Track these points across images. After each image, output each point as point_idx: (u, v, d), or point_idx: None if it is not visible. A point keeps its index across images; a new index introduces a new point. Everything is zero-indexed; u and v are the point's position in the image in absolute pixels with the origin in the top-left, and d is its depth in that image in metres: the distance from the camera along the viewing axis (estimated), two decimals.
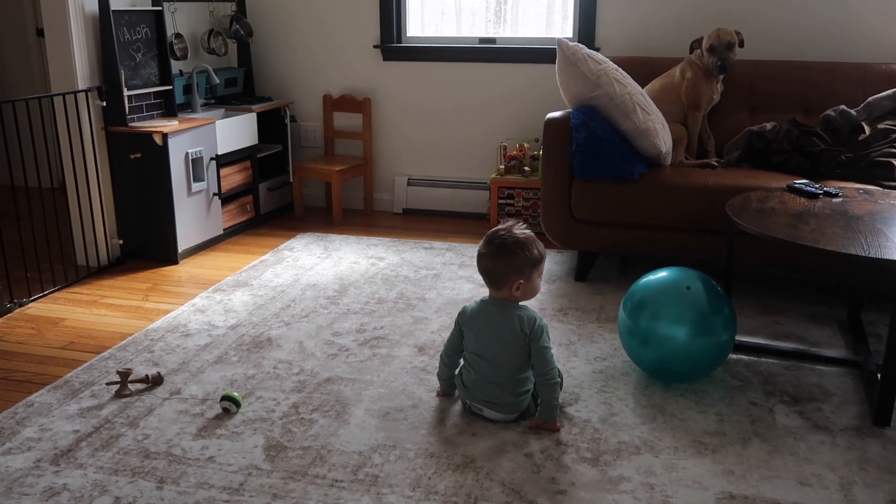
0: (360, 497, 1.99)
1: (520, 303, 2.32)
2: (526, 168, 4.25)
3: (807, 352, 2.83)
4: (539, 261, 2.28)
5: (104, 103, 3.69)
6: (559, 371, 2.43)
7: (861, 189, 3.02)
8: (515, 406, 2.30)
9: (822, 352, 2.83)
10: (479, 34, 4.59)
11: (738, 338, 2.86)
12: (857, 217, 2.58)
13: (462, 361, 2.41)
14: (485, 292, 2.39)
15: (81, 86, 3.61)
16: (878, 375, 2.44)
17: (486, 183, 4.56)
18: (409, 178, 4.77)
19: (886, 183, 3.16)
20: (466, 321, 2.35)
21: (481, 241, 2.33)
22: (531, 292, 2.31)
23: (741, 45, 3.63)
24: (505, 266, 2.26)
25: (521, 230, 2.28)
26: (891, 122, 3.42)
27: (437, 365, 2.51)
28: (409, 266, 3.76)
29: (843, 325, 3.08)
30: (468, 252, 3.95)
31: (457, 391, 2.44)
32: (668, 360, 2.47)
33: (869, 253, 2.21)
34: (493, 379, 2.28)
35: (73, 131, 3.62)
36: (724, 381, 2.61)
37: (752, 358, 2.78)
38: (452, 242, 4.14)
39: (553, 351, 2.78)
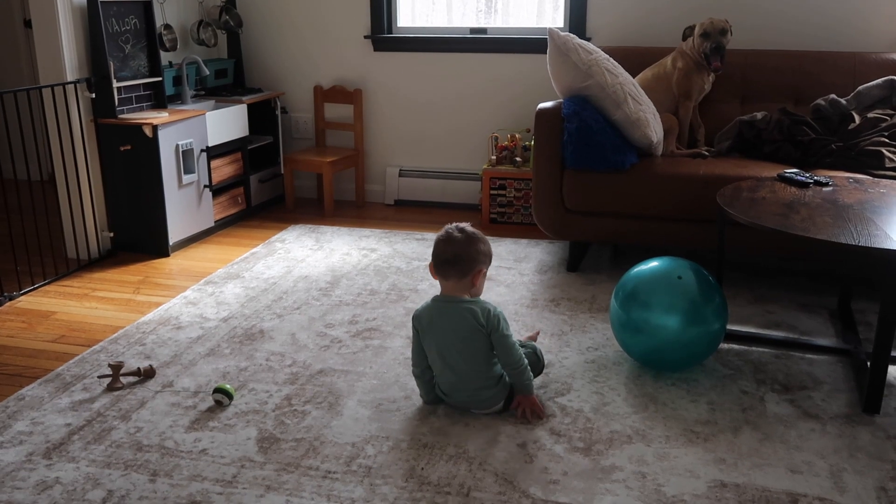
0: (354, 488, 1.99)
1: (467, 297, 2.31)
2: (517, 158, 4.25)
3: (797, 340, 2.84)
4: (490, 258, 2.33)
5: (93, 95, 3.67)
6: (536, 349, 2.45)
7: (851, 178, 3.04)
8: (497, 397, 2.30)
9: (813, 340, 2.84)
10: (470, 24, 4.57)
11: (730, 327, 2.87)
12: (847, 206, 2.59)
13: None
14: None
15: (70, 77, 3.59)
16: (868, 363, 2.46)
17: (477, 174, 4.56)
18: (400, 169, 4.76)
19: (876, 172, 3.17)
20: (422, 323, 2.31)
21: (440, 235, 2.32)
22: (482, 287, 2.34)
23: (730, 33, 3.63)
24: (475, 253, 2.28)
25: (471, 228, 2.33)
26: (881, 111, 3.43)
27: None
28: (401, 257, 3.76)
29: (833, 313, 3.09)
30: None
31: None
32: (660, 350, 2.48)
33: (859, 242, 2.22)
34: (466, 378, 2.27)
35: (62, 123, 3.60)
36: (715, 370, 2.62)
37: (743, 347, 2.79)
38: None
39: (545, 341, 2.81)
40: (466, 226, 2.33)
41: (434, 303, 2.32)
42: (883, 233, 2.30)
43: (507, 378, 2.31)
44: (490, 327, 2.23)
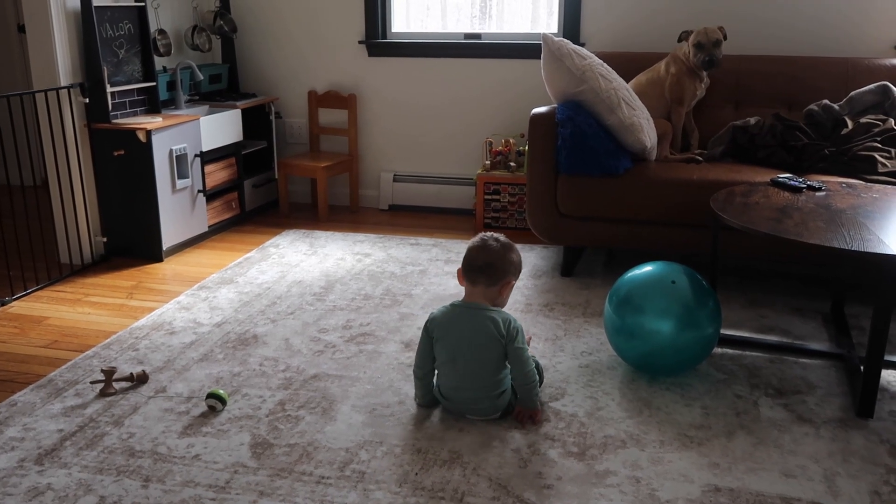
0: (347, 494, 1.99)
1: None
2: (512, 163, 4.26)
3: (791, 345, 2.85)
4: (520, 270, 2.36)
5: (87, 100, 3.66)
6: (537, 362, 2.43)
7: (844, 183, 3.05)
8: (497, 407, 2.30)
9: (806, 345, 2.85)
10: (465, 30, 4.58)
11: (723, 331, 2.87)
12: (840, 211, 2.60)
13: (436, 374, 2.37)
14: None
15: (64, 82, 3.58)
16: (861, 368, 2.47)
17: (472, 179, 4.56)
18: (394, 175, 4.76)
19: (869, 177, 3.18)
20: (438, 327, 2.31)
21: (475, 241, 2.34)
22: (508, 299, 2.36)
23: (724, 38, 3.64)
24: (507, 263, 2.31)
25: (504, 238, 2.37)
26: (873, 117, 3.44)
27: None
28: (396, 262, 3.75)
29: (826, 317, 3.10)
30: (454, 248, 3.95)
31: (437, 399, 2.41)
32: (654, 354, 2.48)
33: (851, 246, 2.23)
34: (472, 384, 2.27)
35: (55, 128, 3.59)
36: (709, 374, 2.62)
37: (736, 351, 2.80)
38: (438, 238, 4.14)
39: (539, 346, 2.81)
40: (500, 235, 2.36)
41: (454, 308, 2.32)
42: (875, 237, 2.30)
43: (509, 392, 2.31)
44: (508, 338, 2.23)
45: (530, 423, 2.29)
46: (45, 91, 3.50)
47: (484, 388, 2.27)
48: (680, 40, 3.69)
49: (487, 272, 2.29)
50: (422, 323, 3.00)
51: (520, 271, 2.37)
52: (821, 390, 2.52)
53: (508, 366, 2.29)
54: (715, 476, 2.06)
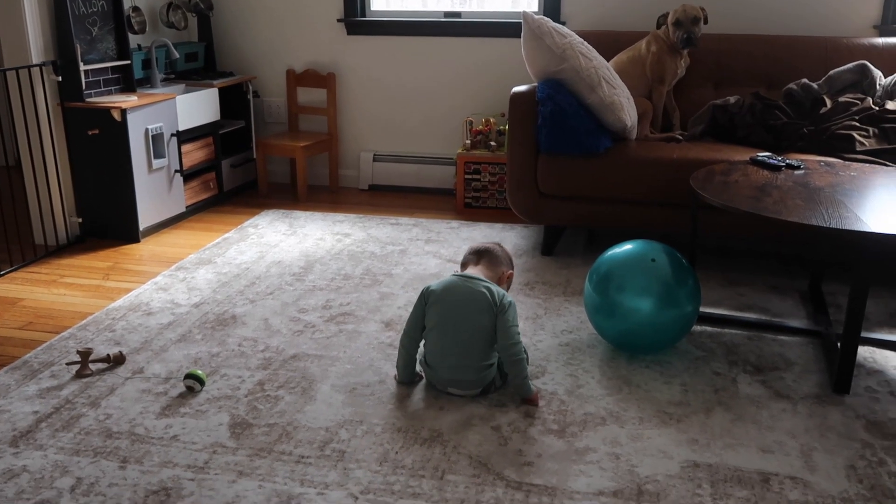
0: (327, 473, 1.98)
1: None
2: (492, 143, 4.24)
3: (769, 322, 2.87)
4: (513, 272, 2.54)
5: (60, 78, 3.59)
6: (524, 348, 2.43)
7: (822, 161, 3.06)
8: (479, 382, 2.30)
9: (784, 322, 2.87)
10: (445, 8, 4.54)
11: (703, 309, 2.89)
12: (819, 189, 2.61)
13: (423, 343, 2.38)
14: (450, 270, 2.38)
15: (35, 60, 3.51)
16: (838, 344, 2.49)
17: (452, 158, 4.54)
18: (374, 154, 4.73)
19: (847, 155, 3.20)
20: (433, 293, 2.32)
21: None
22: (508, 289, 2.47)
23: (705, 21, 3.63)
24: (505, 256, 2.50)
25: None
26: (852, 96, 3.46)
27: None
28: (376, 242, 3.73)
29: (804, 295, 3.12)
30: (434, 227, 3.93)
31: (419, 372, 2.42)
32: (634, 332, 2.48)
33: (829, 224, 2.24)
34: (459, 352, 2.27)
35: (27, 107, 3.52)
36: (688, 351, 2.64)
37: (715, 329, 2.81)
38: (419, 218, 4.12)
39: (520, 325, 2.80)
40: None
41: (451, 279, 2.36)
42: (853, 215, 2.32)
43: (494, 369, 2.30)
44: (499, 308, 2.25)
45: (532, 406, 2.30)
46: (17, 69, 3.43)
47: (470, 358, 2.26)
48: (659, 26, 3.68)
49: (491, 253, 2.48)
50: (401, 302, 3.01)
51: (511, 276, 2.51)
52: (798, 367, 2.54)
53: (497, 343, 2.29)
54: (694, 452, 2.08)
